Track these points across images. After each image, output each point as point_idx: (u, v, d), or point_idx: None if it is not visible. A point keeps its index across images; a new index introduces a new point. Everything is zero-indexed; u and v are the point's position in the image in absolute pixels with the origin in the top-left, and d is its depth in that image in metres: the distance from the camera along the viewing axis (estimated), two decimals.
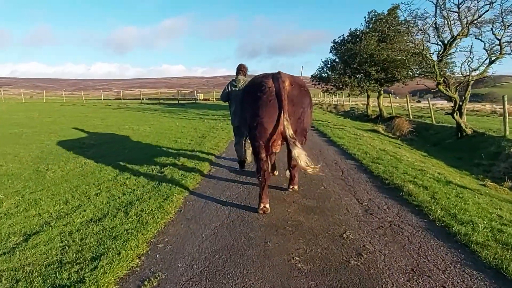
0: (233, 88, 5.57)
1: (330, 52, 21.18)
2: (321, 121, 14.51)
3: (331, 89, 20.46)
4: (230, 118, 6.10)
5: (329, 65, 20.46)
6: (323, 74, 20.96)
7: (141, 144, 8.68)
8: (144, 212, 3.75)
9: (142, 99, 49.57)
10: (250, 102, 3.81)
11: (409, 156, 7.20)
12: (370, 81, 17.17)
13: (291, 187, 4.63)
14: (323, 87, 21.74)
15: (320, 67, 21.24)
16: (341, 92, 22.96)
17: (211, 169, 6.01)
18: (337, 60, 19.96)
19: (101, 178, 5.41)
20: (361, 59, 16.94)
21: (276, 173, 5.42)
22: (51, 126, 12.72)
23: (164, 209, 3.83)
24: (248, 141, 5.55)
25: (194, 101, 40.12)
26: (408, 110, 16.95)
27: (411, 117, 16.85)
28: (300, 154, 3.45)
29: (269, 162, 4.08)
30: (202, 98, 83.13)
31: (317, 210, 3.90)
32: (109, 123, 13.86)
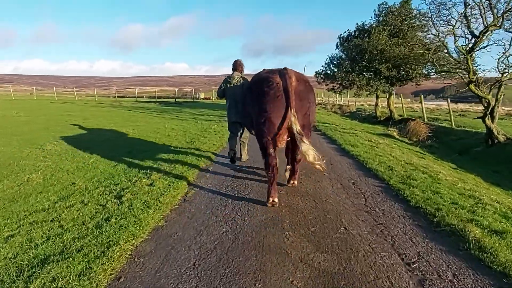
0: (228, 85, 5.53)
1: (337, 48, 19.61)
2: (327, 123, 12.99)
3: (337, 87, 18.89)
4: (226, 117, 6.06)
5: (335, 62, 18.91)
6: (329, 71, 19.41)
7: (114, 153, 7.18)
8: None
9: (144, 97, 48.06)
10: (256, 97, 3.84)
11: (446, 173, 5.67)
12: (381, 80, 15.61)
13: (291, 182, 4.55)
14: (328, 85, 20.19)
15: (325, 63, 19.70)
16: (347, 92, 21.37)
17: (189, 193, 4.49)
18: (343, 56, 18.38)
19: None
20: (371, 56, 15.38)
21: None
22: (21, 127, 11.25)
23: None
24: (243, 139, 6.16)
25: (193, 100, 38.50)
26: (422, 112, 15.36)
27: (425, 120, 15.32)
28: (308, 149, 3.55)
29: (277, 157, 3.94)
30: (203, 97, 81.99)
31: (341, 281, 2.40)
32: (90, 124, 12.38)
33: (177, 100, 36.33)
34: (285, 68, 3.78)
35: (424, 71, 15.24)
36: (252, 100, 4.00)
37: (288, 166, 4.82)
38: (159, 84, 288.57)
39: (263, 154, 3.98)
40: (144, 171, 5.40)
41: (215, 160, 6.60)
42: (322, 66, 19.89)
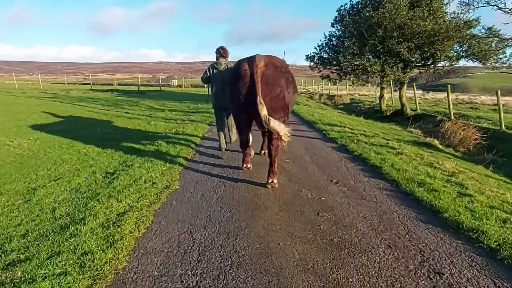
0: (214, 71, 5.66)
1: (333, 25, 15.67)
2: (336, 125, 9.14)
3: (337, 75, 15.00)
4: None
5: (333, 42, 15.00)
6: (324, 54, 15.51)
7: None
8: None
9: (113, 84, 42.37)
10: (232, 85, 4.12)
11: None
12: (398, 65, 11.87)
13: (270, 180, 4.08)
14: (322, 72, 16.31)
15: (320, 44, 15.74)
16: (342, 80, 17.57)
17: None
18: (344, 34, 14.40)
19: None
20: (385, 33, 11.55)
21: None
22: None
23: None
24: (230, 122, 6.30)
25: (159, 88, 33.45)
26: (448, 106, 11.76)
27: (452, 117, 11.79)
28: (275, 124, 3.60)
29: (250, 139, 4.62)
30: (176, 84, 76.36)
31: None
32: None
33: (140, 88, 31.10)
34: (255, 56, 3.89)
35: (451, 53, 11.62)
36: (229, 88, 4.28)
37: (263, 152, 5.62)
38: (131, 70, 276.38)
39: (238, 136, 4.59)
40: None
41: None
42: (315, 48, 15.98)
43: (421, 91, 41.04)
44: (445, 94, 30.22)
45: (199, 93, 28.29)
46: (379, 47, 11.84)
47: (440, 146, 7.89)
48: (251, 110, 3.80)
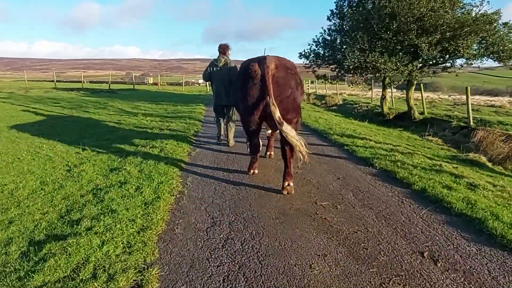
0: (214, 68, 5.62)
1: (330, 18, 13.92)
2: (354, 136, 7.41)
3: (337, 73, 13.26)
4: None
5: (332, 37, 13.27)
6: (321, 51, 13.77)
7: None
8: None
9: (84, 81, 38.93)
10: (240, 86, 3.97)
11: None
12: (414, 62, 10.26)
13: (286, 184, 3.86)
14: (316, 71, 14.56)
15: (316, 40, 13.96)
16: (336, 81, 15.92)
17: None
18: (343, 29, 12.62)
19: None
20: (400, 25, 9.90)
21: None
22: None
23: None
24: (230, 123, 6.01)
25: (133, 87, 30.60)
26: (467, 110, 10.28)
27: (471, 122, 10.38)
28: (287, 128, 3.45)
29: (260, 142, 4.41)
30: (151, 82, 72.96)
31: None
32: None
33: (111, 87, 28.19)
34: (265, 56, 3.83)
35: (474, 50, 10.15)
36: (237, 89, 4.15)
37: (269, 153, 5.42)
38: (104, 67, 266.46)
39: (247, 139, 4.38)
40: None
41: None
42: (310, 44, 14.19)
43: (395, 90, 40.17)
44: (427, 94, 29.43)
45: (176, 93, 25.92)
46: (393, 42, 10.18)
47: (490, 165, 6.28)
48: (262, 112, 3.77)
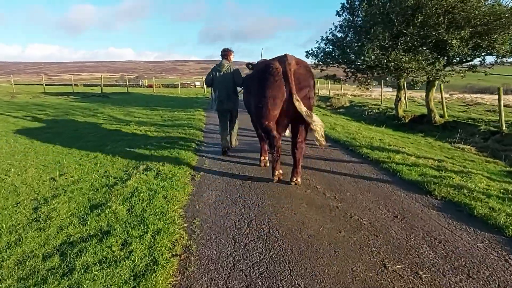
0: (217, 73, 5.49)
1: (340, 13, 12.79)
2: (389, 150, 6.33)
3: (348, 72, 12.13)
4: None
5: (344, 33, 12.14)
6: (331, 49, 12.65)
7: None
8: None
9: (78, 85, 37.40)
10: (257, 84, 4.01)
11: None
12: (441, 60, 9.13)
13: (294, 179, 4.18)
14: (323, 70, 13.43)
15: (325, 37, 12.81)
16: (343, 81, 14.85)
17: None
18: (360, 23, 11.46)
19: None
20: (426, 18, 8.73)
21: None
22: None
23: None
24: (234, 131, 5.97)
25: (126, 90, 29.14)
26: (499, 114, 9.18)
27: (503, 126, 9.31)
28: (318, 123, 3.69)
29: (281, 139, 4.17)
30: (146, 84, 71.55)
31: None
32: None
33: (104, 90, 26.67)
34: (285, 55, 3.85)
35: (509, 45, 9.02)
36: (254, 87, 4.14)
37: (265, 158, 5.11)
38: (98, 70, 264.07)
39: (266, 137, 4.07)
40: None
41: None
42: (318, 42, 13.07)
43: (390, 89, 38.94)
44: (422, 93, 28.17)
45: (172, 96, 24.67)
46: (418, 38, 9.04)
47: None
48: (282, 108, 3.80)
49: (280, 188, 4.13)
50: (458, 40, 8.51)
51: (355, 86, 16.06)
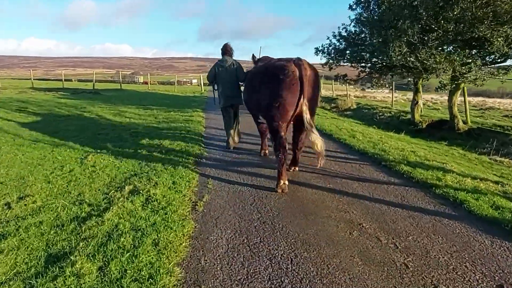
0: (220, 69, 5.49)
1: (351, 8, 11.69)
2: (433, 167, 5.26)
3: (364, 75, 11.03)
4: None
5: (359, 28, 11.02)
6: (341, 45, 11.54)
7: None
8: None
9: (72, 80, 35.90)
10: (270, 84, 3.92)
11: None
12: (476, 60, 8.04)
13: (292, 168, 4.62)
14: (332, 69, 12.24)
15: (336, 33, 11.68)
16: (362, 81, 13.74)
17: None
18: (376, 17, 10.30)
19: None
20: (462, 12, 7.55)
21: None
22: None
23: None
24: (236, 127, 5.95)
25: (120, 87, 27.75)
26: None
27: None
28: (316, 139, 3.77)
29: (286, 140, 4.09)
30: (141, 81, 70.02)
31: None
32: None
33: (96, 86, 25.25)
34: (299, 59, 3.90)
35: None
36: (264, 87, 4.07)
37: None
38: (94, 66, 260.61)
39: (273, 137, 4.03)
40: None
41: None
42: (329, 38, 11.94)
43: (387, 91, 37.46)
44: (432, 96, 27.32)
45: (168, 94, 23.34)
46: (452, 35, 7.90)
47: None
48: (292, 113, 3.87)
49: (314, 225, 3.02)
50: (503, 38, 7.38)
51: (355, 86, 14.94)
